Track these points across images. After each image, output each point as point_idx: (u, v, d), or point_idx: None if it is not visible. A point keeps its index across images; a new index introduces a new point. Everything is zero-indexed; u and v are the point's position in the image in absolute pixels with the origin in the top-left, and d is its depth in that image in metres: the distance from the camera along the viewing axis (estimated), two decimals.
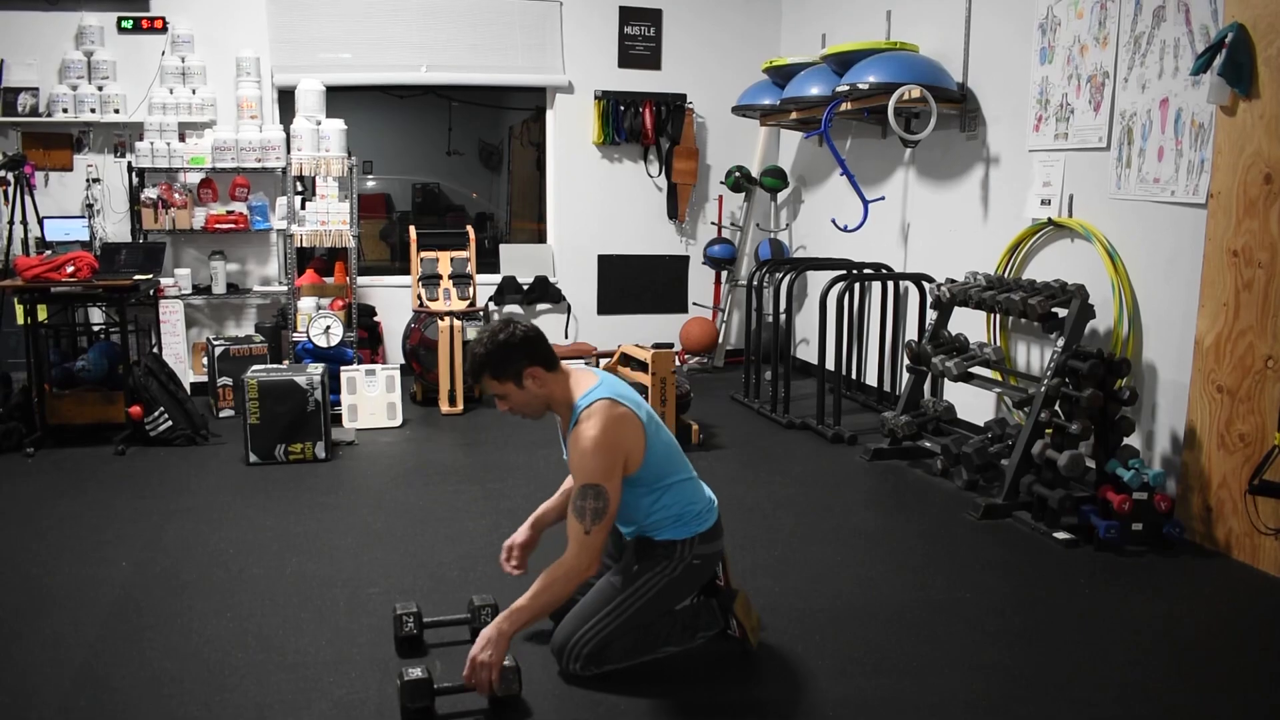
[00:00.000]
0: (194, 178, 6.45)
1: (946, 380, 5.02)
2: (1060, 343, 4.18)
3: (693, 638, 2.88)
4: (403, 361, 6.70)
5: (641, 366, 5.23)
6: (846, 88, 5.53)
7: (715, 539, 2.88)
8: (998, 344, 5.06)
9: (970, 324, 5.20)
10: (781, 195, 7.45)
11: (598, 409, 2.65)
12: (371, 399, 5.68)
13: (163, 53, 6.39)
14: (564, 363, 2.82)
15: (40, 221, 6.04)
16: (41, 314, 5.33)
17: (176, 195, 6.27)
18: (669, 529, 2.81)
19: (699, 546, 2.82)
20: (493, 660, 2.56)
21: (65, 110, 6.21)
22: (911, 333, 5.80)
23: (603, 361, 5.82)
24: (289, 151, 6.36)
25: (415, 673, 2.54)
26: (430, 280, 6.50)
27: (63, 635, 3.03)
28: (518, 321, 2.78)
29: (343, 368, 5.69)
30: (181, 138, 6.32)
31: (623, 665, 2.79)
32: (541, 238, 7.76)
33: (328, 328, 5.83)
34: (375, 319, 6.96)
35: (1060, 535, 3.92)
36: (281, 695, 2.69)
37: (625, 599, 2.78)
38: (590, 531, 2.58)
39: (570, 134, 7.42)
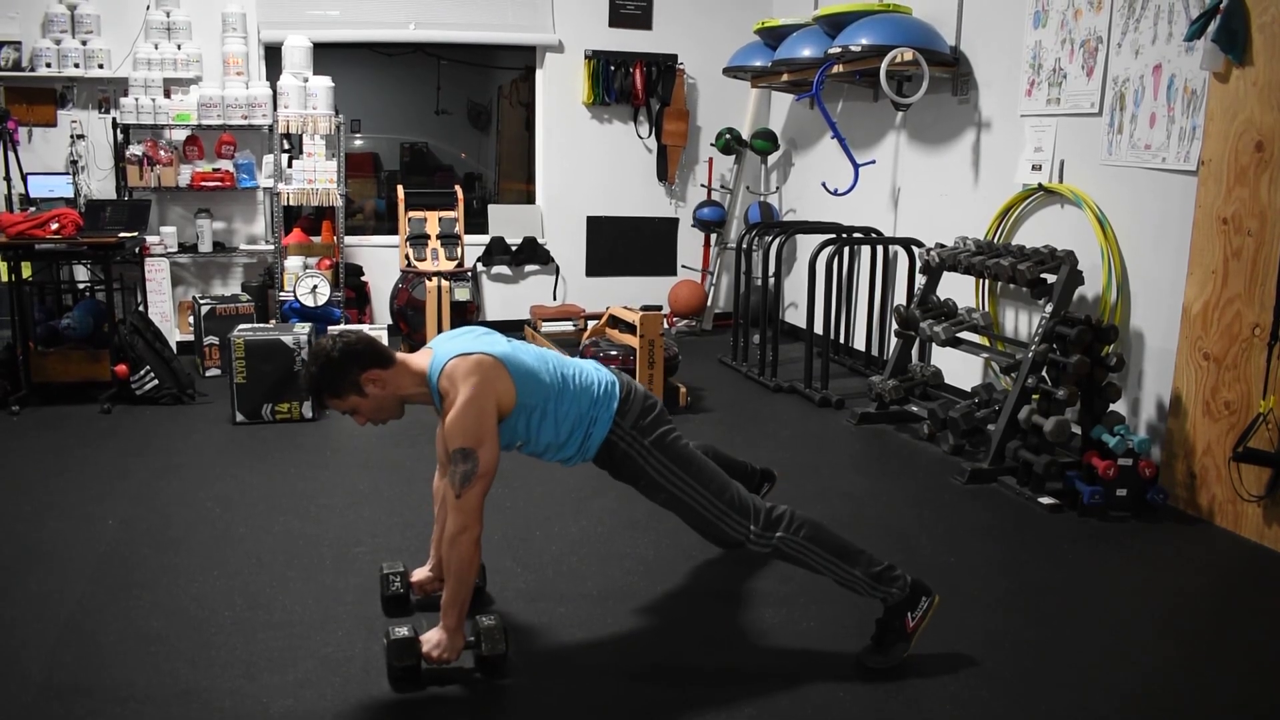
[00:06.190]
0: (179, 135, 6.37)
1: (934, 345, 5.03)
2: (1048, 309, 4.19)
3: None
4: (390, 322, 6.69)
5: (630, 328, 5.22)
6: (838, 50, 5.49)
7: (631, 402, 2.69)
8: (986, 309, 5.06)
9: (959, 289, 5.21)
10: (772, 158, 7.42)
11: (451, 370, 2.52)
12: None
13: (147, 7, 6.28)
14: (397, 354, 2.66)
15: (24, 178, 5.96)
16: (26, 271, 5.28)
17: (162, 152, 6.20)
18: (595, 434, 2.67)
19: (626, 422, 2.67)
20: (449, 657, 2.57)
21: (48, 65, 6.12)
22: (900, 297, 5.80)
23: (590, 323, 5.81)
24: (275, 109, 6.27)
25: (401, 631, 2.56)
26: (418, 240, 6.46)
27: (49, 592, 3.04)
28: (344, 334, 2.64)
29: (330, 327, 5.67)
30: (167, 94, 6.23)
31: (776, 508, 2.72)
32: (530, 198, 7.71)
33: (315, 287, 5.81)
34: (363, 278, 6.93)
35: (1045, 500, 3.94)
36: (268, 653, 2.70)
37: (682, 494, 2.67)
38: (461, 495, 2.48)
39: (560, 94, 7.35)
